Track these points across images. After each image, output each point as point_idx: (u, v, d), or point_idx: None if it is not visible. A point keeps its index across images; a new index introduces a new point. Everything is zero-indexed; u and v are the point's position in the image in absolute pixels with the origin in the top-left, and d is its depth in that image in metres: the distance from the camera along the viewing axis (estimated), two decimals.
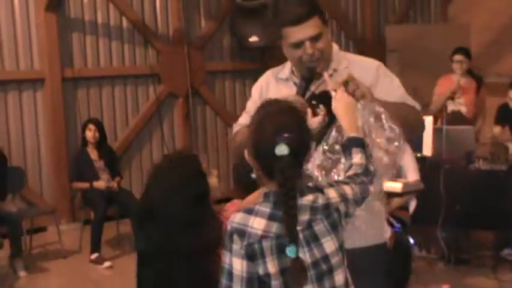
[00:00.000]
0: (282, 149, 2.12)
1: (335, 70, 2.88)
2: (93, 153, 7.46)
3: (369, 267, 2.81)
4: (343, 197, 2.26)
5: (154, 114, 8.93)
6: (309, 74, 2.83)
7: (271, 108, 2.30)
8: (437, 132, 6.27)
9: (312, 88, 2.85)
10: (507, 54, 9.73)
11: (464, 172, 6.25)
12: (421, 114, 2.97)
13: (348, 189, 2.30)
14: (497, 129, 7.12)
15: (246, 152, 2.28)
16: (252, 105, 2.97)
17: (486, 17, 9.96)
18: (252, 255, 2.15)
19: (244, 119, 3.02)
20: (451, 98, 7.24)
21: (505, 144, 7.00)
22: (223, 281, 2.19)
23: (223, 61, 9.50)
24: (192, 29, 9.21)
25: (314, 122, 2.63)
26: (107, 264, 6.86)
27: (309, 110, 2.66)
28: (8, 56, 8.04)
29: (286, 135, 2.14)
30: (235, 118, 10.22)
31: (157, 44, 8.91)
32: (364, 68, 2.90)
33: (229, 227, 2.19)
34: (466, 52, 7.45)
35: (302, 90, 2.80)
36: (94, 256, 6.92)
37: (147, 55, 8.87)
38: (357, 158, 2.38)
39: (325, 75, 2.73)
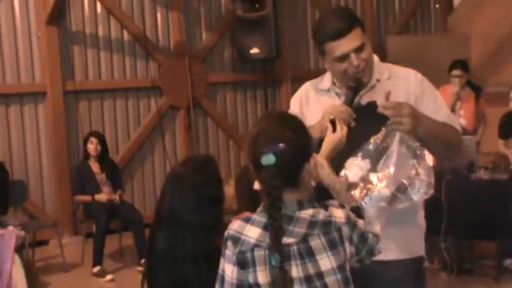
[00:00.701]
0: (268, 159, 2.13)
1: (378, 80, 2.90)
2: (95, 166, 7.46)
3: (405, 280, 2.86)
4: (350, 221, 2.25)
5: (155, 126, 8.94)
6: (355, 84, 2.84)
7: (267, 121, 2.31)
8: None
9: (357, 98, 2.86)
10: (507, 64, 9.75)
11: (465, 182, 6.25)
12: (461, 135, 2.99)
13: (361, 221, 2.31)
14: (501, 145, 7.09)
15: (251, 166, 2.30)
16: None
17: (486, 27, 9.99)
18: (243, 263, 2.16)
19: None
20: (452, 110, 7.25)
21: (506, 154, 6.99)
22: (217, 286, 2.22)
23: (225, 73, 9.52)
24: (193, 41, 9.24)
25: (333, 138, 2.65)
26: (109, 277, 6.85)
27: (329, 126, 2.67)
28: (10, 70, 8.08)
29: (274, 145, 2.14)
30: (237, 130, 10.22)
31: (159, 56, 8.93)
32: (408, 78, 2.94)
33: (226, 233, 2.21)
34: (463, 66, 7.45)
35: (349, 101, 2.82)
36: (96, 269, 6.91)
37: (148, 68, 8.89)
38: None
39: (386, 94, 2.73)
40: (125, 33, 8.78)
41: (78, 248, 7.52)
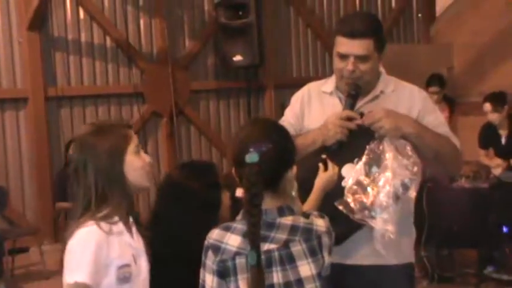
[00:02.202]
0: (251, 157, 2.15)
1: (382, 92, 2.96)
2: None
3: (400, 284, 2.93)
4: (330, 231, 2.27)
5: (138, 133, 8.88)
6: (354, 92, 2.88)
7: (254, 125, 2.37)
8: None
9: (359, 105, 2.92)
10: (489, 73, 9.80)
11: (446, 190, 6.28)
12: (460, 153, 3.02)
13: None
14: (483, 155, 7.13)
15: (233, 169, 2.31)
16: (290, 113, 3.08)
17: (468, 36, 10.05)
18: (223, 272, 2.16)
19: None
20: None
21: (488, 164, 7.03)
22: None
23: (208, 80, 9.51)
24: (176, 48, 9.22)
25: (326, 176, 2.70)
26: None
27: (321, 165, 2.73)
28: None
29: (259, 145, 2.17)
30: (220, 137, 10.13)
31: (141, 63, 8.90)
32: (412, 93, 3.00)
33: (206, 243, 2.21)
34: (440, 82, 7.55)
35: (349, 107, 2.87)
36: None
37: (131, 74, 8.86)
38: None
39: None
40: (108, 39, 8.74)
41: (59, 255, 7.40)
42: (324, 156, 2.75)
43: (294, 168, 2.27)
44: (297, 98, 3.12)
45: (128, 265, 2.38)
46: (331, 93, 3.02)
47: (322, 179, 2.71)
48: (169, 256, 2.57)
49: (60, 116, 8.40)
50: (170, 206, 2.63)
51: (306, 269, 2.18)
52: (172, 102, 8.95)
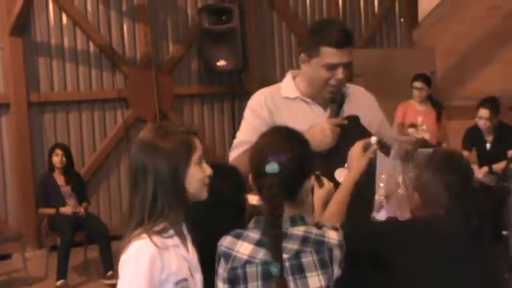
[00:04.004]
0: (272, 167, 2.16)
1: (344, 94, 3.04)
2: (59, 179, 7.38)
3: None
4: (342, 245, 2.24)
5: (122, 139, 8.87)
6: (340, 98, 2.95)
7: (274, 134, 2.35)
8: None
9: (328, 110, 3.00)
10: (472, 77, 9.87)
11: None
12: None
13: None
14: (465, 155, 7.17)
15: (250, 177, 2.32)
16: (250, 131, 2.97)
17: (450, 40, 10.11)
18: (233, 280, 2.17)
19: (247, 135, 3.02)
20: (413, 125, 7.34)
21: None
22: None
23: (191, 85, 9.49)
24: (160, 53, 9.20)
25: (322, 193, 2.68)
26: None
27: (315, 183, 2.71)
28: None
29: (279, 155, 2.17)
30: (203, 142, 10.04)
31: (125, 68, 8.88)
32: (366, 96, 3.12)
33: (218, 250, 2.22)
34: (425, 79, 7.55)
35: (336, 113, 2.94)
36: (59, 283, 6.80)
37: (114, 79, 8.83)
38: None
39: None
40: (91, 44, 8.71)
41: (42, 261, 7.41)
42: (317, 173, 2.74)
43: (312, 178, 2.27)
44: (261, 108, 3.05)
45: (185, 279, 2.23)
46: (294, 99, 3.02)
47: (322, 195, 2.66)
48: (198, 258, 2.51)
49: (43, 122, 8.36)
50: (197, 208, 2.56)
51: (315, 280, 2.17)
52: (156, 107, 8.94)
